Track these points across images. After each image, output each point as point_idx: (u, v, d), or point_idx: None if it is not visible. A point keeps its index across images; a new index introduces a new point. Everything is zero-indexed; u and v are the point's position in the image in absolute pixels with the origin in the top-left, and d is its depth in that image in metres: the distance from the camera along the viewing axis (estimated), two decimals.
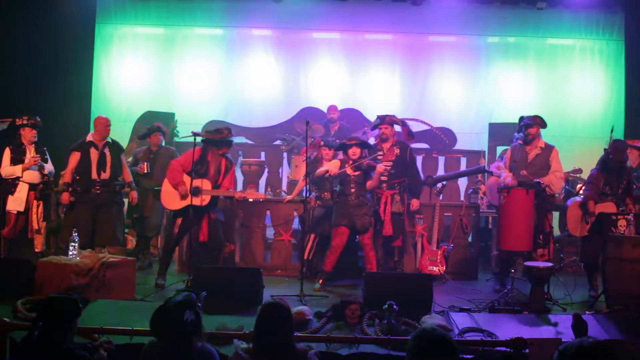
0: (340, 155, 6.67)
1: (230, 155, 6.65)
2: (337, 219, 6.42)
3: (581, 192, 7.04)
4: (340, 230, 6.38)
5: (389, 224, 6.62)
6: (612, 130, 7.44)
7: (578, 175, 7.77)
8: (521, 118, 6.63)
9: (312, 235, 6.90)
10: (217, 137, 6.35)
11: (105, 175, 6.74)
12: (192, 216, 6.17)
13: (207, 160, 6.34)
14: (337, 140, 7.36)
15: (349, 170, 6.38)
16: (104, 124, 6.82)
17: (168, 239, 6.57)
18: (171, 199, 6.32)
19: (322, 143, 7.25)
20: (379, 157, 6.65)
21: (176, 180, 6.24)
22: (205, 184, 6.26)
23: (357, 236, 6.56)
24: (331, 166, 6.50)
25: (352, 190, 6.40)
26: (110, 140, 6.90)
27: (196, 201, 6.16)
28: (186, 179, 6.24)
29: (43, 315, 3.10)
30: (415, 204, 6.85)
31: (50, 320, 3.07)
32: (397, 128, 7.10)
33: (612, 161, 6.26)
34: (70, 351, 3.02)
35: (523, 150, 6.52)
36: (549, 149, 6.50)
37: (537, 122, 6.46)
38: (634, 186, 6.50)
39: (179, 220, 6.38)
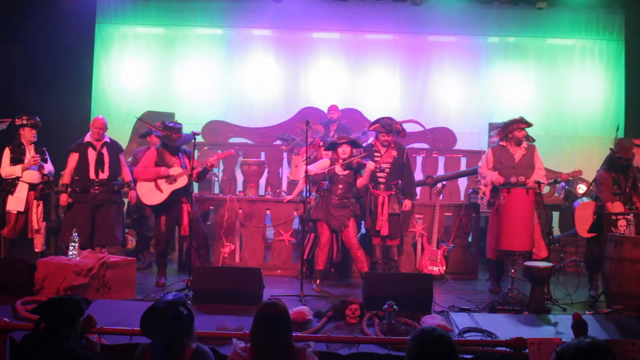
0: (330, 154, 6.64)
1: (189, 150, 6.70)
2: (315, 214, 6.42)
3: (580, 192, 7.03)
4: (323, 227, 6.40)
5: (386, 224, 6.61)
6: (617, 129, 7.44)
7: (578, 176, 7.77)
8: (506, 123, 6.56)
9: (313, 235, 6.90)
10: (162, 134, 6.46)
11: (104, 175, 6.75)
12: (173, 203, 6.37)
13: (164, 157, 6.46)
14: None
15: (338, 169, 6.37)
16: (99, 127, 6.80)
17: (158, 240, 6.61)
18: (152, 196, 6.44)
19: (321, 144, 7.23)
20: (377, 159, 6.64)
21: (152, 175, 6.38)
22: (175, 170, 6.41)
23: (342, 238, 6.54)
24: (316, 166, 6.48)
25: (339, 190, 6.39)
26: (109, 140, 6.91)
27: (176, 185, 6.34)
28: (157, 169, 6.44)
29: (45, 316, 3.10)
30: (408, 204, 6.82)
31: (52, 320, 3.07)
32: None
33: (620, 160, 6.26)
34: (71, 351, 3.01)
35: (507, 151, 6.46)
36: (531, 148, 6.51)
37: (527, 124, 6.42)
38: None
39: (163, 219, 6.45)
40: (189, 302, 3.00)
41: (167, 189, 6.39)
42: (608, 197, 6.28)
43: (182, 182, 6.38)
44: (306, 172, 6.36)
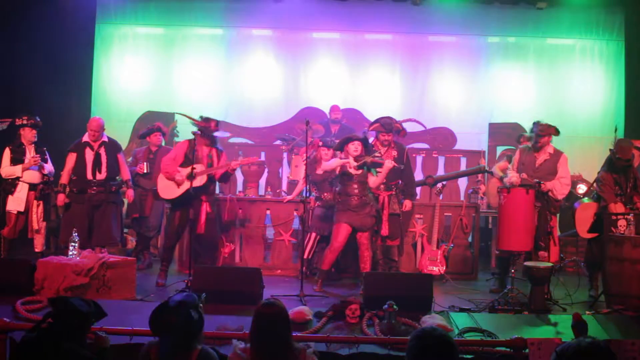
0: (339, 154, 6.60)
1: (222, 147, 6.73)
2: (339, 217, 6.29)
3: (580, 192, 7.02)
4: (342, 228, 6.24)
5: (386, 224, 6.60)
6: (615, 130, 7.43)
7: (578, 180, 7.78)
8: (535, 123, 6.54)
9: (313, 235, 6.89)
10: (202, 125, 6.45)
11: (101, 175, 6.74)
12: (192, 200, 6.30)
13: (195, 150, 6.43)
14: (337, 141, 7.32)
15: (352, 169, 6.34)
16: (94, 129, 6.78)
17: (169, 233, 6.60)
18: (170, 190, 6.42)
19: (320, 143, 7.22)
20: (377, 158, 6.62)
21: (172, 172, 6.36)
22: (199, 167, 6.37)
23: (356, 235, 6.52)
24: (328, 165, 6.46)
25: (355, 190, 6.30)
26: (107, 140, 6.89)
27: (195, 183, 6.28)
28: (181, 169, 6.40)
29: (48, 314, 3.09)
30: (408, 204, 6.80)
31: (52, 320, 3.06)
32: None
33: (619, 161, 6.26)
34: (71, 351, 3.01)
35: (531, 154, 6.46)
36: (557, 154, 6.46)
37: (551, 132, 6.38)
38: None
39: (178, 214, 6.44)
40: (201, 304, 2.99)
41: (185, 184, 6.35)
42: (611, 198, 6.27)
43: (201, 180, 6.34)
44: (306, 172, 6.36)
